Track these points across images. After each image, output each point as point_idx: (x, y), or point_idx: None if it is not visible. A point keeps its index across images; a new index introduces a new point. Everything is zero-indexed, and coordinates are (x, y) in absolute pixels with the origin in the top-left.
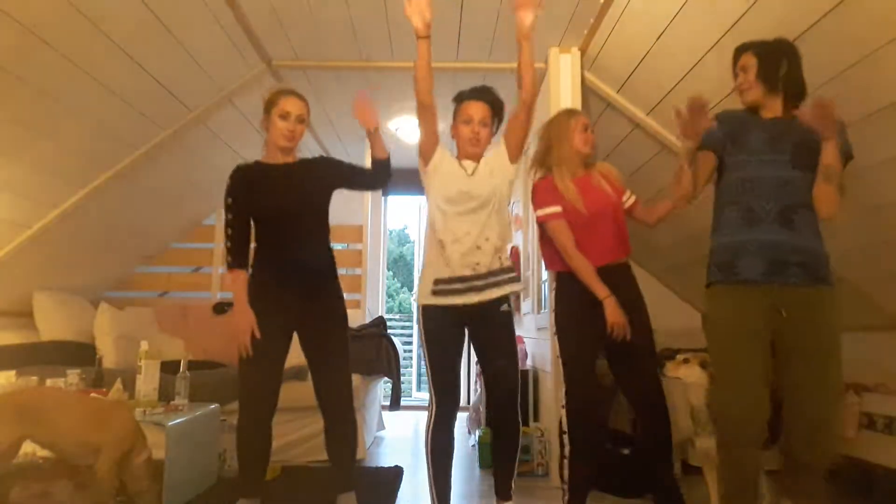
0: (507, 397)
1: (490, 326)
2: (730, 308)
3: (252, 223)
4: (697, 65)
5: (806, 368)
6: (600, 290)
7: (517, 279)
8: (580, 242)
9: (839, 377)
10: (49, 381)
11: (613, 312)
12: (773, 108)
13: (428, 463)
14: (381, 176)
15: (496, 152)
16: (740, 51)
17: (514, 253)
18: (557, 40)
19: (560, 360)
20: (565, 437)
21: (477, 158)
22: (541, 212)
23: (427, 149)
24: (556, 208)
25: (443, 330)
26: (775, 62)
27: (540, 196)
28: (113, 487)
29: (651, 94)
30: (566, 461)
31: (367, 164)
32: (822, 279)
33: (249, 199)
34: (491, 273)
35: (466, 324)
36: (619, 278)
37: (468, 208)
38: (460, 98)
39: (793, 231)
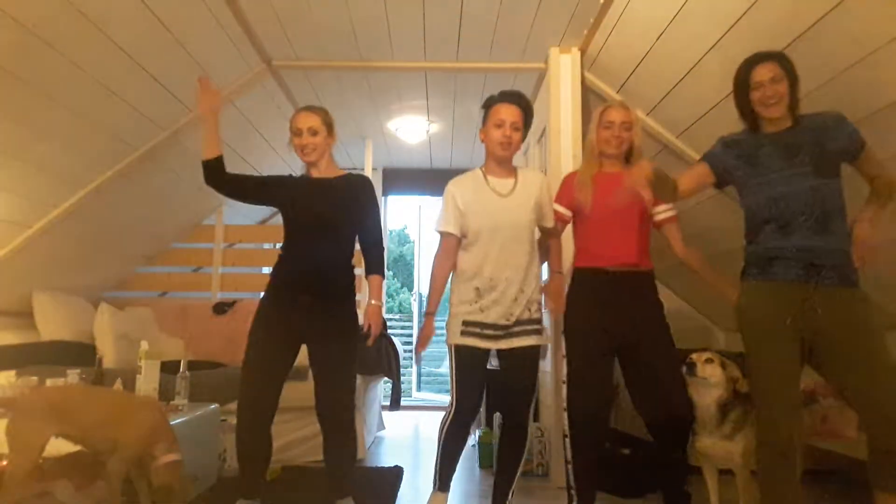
0: (523, 404)
1: (515, 361)
2: (762, 300)
3: (261, 199)
4: (697, 65)
5: (856, 364)
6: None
7: (542, 330)
8: (591, 241)
9: (890, 362)
10: (49, 381)
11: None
12: (785, 120)
13: (438, 450)
14: (374, 263)
15: (541, 184)
16: (760, 59)
17: None
18: (557, 40)
19: (565, 360)
20: (567, 440)
21: (507, 171)
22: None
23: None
24: (560, 208)
25: (474, 357)
26: (796, 75)
27: (560, 189)
28: (118, 486)
29: (651, 94)
30: (570, 466)
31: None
32: (853, 281)
33: (281, 201)
34: (519, 322)
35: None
36: (633, 286)
37: (503, 236)
38: (491, 102)
39: (828, 236)
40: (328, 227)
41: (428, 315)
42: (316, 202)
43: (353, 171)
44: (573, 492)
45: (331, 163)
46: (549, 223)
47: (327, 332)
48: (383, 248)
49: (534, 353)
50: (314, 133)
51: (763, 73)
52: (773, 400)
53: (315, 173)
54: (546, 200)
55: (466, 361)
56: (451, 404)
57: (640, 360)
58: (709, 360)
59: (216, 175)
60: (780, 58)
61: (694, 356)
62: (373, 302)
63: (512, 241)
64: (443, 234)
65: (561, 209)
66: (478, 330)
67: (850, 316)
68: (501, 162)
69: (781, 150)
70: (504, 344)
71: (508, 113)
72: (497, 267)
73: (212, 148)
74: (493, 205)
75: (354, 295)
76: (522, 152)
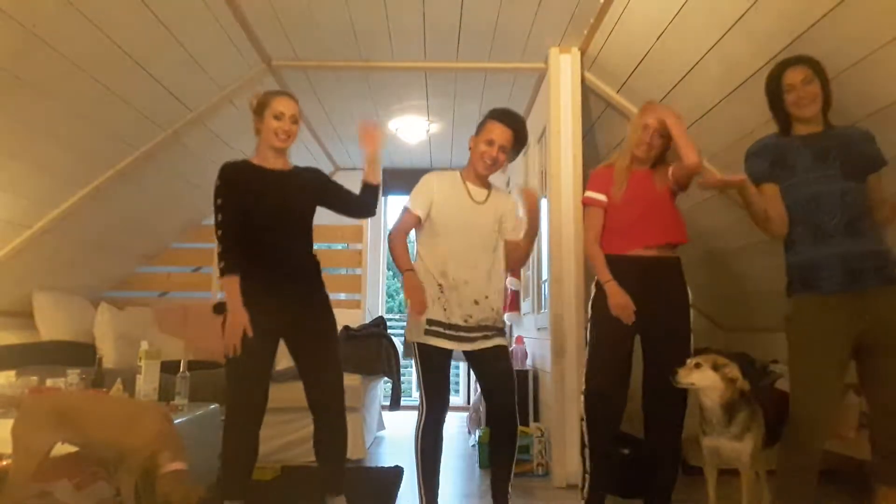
0: (507, 395)
1: (487, 358)
2: (812, 316)
3: (224, 220)
4: (697, 65)
5: (884, 365)
6: (602, 276)
7: (504, 332)
8: (621, 231)
9: None
10: (49, 381)
11: (613, 295)
12: (816, 123)
13: (417, 462)
14: (370, 202)
15: (510, 206)
16: (791, 63)
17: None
18: (557, 40)
19: (588, 345)
20: (583, 423)
21: (484, 182)
22: (587, 194)
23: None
24: (600, 196)
25: (436, 356)
26: (827, 77)
27: (592, 180)
28: (132, 494)
29: (651, 94)
30: (587, 451)
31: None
32: (894, 279)
33: (242, 200)
34: (481, 328)
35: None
36: (662, 274)
37: (472, 240)
38: (489, 116)
39: (861, 239)
40: (296, 220)
41: (408, 271)
42: (286, 197)
43: (300, 166)
44: (587, 486)
45: (286, 154)
46: (517, 236)
47: (301, 321)
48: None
49: (503, 349)
50: (295, 121)
51: (794, 75)
52: (809, 410)
53: (270, 163)
54: (511, 214)
55: (433, 361)
56: (422, 405)
57: (655, 343)
58: (697, 366)
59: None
60: (809, 61)
61: (689, 360)
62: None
63: (478, 246)
64: (408, 211)
65: (598, 196)
66: (441, 329)
67: (891, 315)
68: (480, 176)
69: (812, 152)
70: (468, 346)
71: (500, 134)
72: (460, 267)
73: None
74: (468, 207)
75: (322, 280)
76: (522, 153)
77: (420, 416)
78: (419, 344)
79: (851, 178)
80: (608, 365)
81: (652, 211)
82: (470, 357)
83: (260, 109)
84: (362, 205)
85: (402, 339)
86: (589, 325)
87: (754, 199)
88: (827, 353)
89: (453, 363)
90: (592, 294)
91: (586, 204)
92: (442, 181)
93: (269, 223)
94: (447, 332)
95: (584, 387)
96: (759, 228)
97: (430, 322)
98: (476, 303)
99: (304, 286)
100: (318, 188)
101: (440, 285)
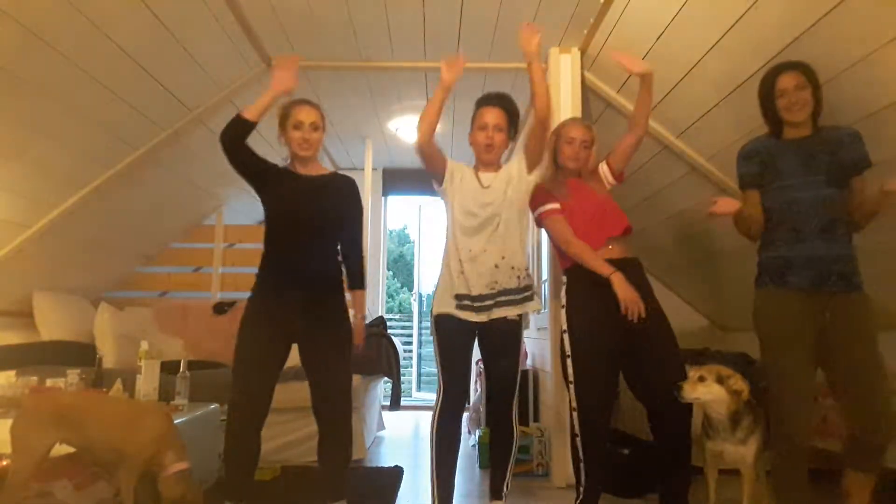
0: (504, 399)
1: (497, 334)
2: (778, 307)
3: (264, 219)
4: (697, 65)
5: (851, 364)
6: (604, 269)
7: (533, 297)
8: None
9: (880, 364)
10: (49, 381)
11: (622, 288)
12: (806, 127)
13: (432, 453)
14: (355, 281)
15: (516, 161)
16: (784, 69)
17: None
18: (557, 40)
19: (570, 359)
20: (577, 440)
21: (494, 168)
22: (540, 209)
23: (436, 171)
24: (554, 205)
25: (457, 333)
26: (818, 83)
27: (538, 197)
28: (131, 496)
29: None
30: (582, 465)
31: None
32: (856, 286)
33: (273, 189)
34: (505, 291)
35: (477, 330)
36: (625, 273)
37: (482, 220)
38: (477, 105)
39: (832, 244)
40: (319, 225)
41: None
42: (309, 201)
43: (339, 171)
44: (583, 489)
45: (317, 160)
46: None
47: (317, 327)
48: (363, 257)
49: (513, 334)
50: (315, 128)
51: (787, 81)
52: (789, 400)
53: (302, 169)
54: (523, 150)
55: (451, 336)
56: (439, 393)
57: (640, 347)
58: (701, 378)
59: (241, 136)
60: (802, 66)
61: (691, 371)
62: (359, 317)
63: (488, 221)
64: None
65: (552, 205)
66: (468, 302)
67: (852, 319)
68: (487, 163)
69: (799, 157)
70: (485, 316)
71: (491, 116)
72: (476, 241)
73: (257, 114)
74: (475, 192)
75: (343, 288)
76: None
77: (436, 405)
78: (438, 317)
79: (834, 185)
80: (599, 380)
81: (598, 212)
82: (479, 335)
83: (282, 121)
84: (351, 269)
85: (402, 338)
86: (566, 337)
87: (745, 211)
88: (798, 345)
89: None
90: (564, 305)
91: (546, 216)
92: (455, 162)
93: (290, 224)
94: (473, 304)
95: (575, 404)
96: (740, 232)
97: (457, 297)
98: (497, 266)
99: (321, 292)
100: (346, 204)
101: (459, 261)
